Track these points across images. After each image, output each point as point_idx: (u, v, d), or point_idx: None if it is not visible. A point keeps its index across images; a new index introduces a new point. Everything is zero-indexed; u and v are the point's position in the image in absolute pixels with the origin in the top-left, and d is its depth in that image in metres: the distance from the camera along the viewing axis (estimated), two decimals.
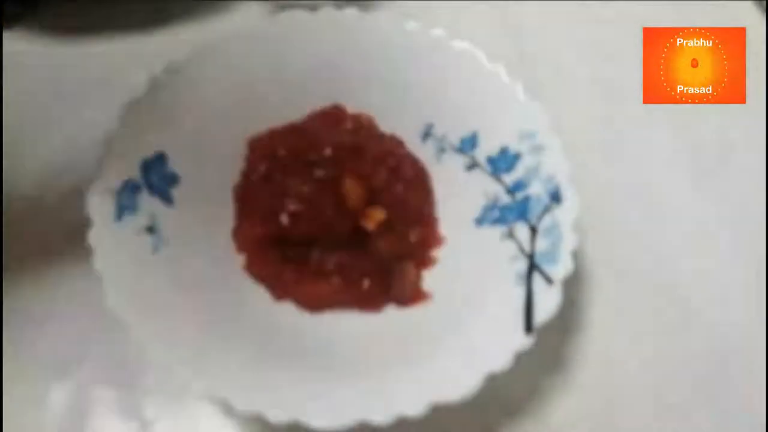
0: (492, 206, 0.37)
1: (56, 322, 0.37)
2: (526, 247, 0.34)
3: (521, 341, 0.31)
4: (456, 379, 0.30)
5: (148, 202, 0.35)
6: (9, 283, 0.37)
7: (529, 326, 0.31)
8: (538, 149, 0.36)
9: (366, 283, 0.36)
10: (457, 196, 0.39)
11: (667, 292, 0.39)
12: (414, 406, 0.29)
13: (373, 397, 0.30)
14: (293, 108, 0.40)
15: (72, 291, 0.37)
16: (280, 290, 0.36)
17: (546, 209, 0.35)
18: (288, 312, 0.36)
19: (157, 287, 0.33)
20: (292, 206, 0.37)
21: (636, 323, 0.38)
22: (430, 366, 0.31)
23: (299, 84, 0.40)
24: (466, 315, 0.33)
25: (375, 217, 0.37)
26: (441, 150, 0.40)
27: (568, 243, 0.33)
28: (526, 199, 0.36)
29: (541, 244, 0.34)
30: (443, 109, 0.40)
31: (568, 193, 0.35)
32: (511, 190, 0.37)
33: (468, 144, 0.39)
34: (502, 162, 0.37)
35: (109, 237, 0.33)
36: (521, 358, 0.31)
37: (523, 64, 0.43)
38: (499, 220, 0.37)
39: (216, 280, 0.36)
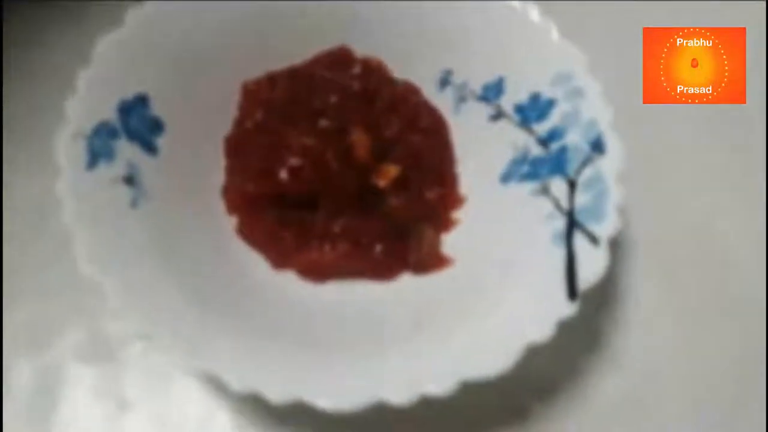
0: (521, 160, 0.33)
1: (26, 291, 0.32)
2: (564, 203, 0.30)
3: (564, 308, 0.26)
4: (488, 352, 0.26)
5: (126, 149, 0.30)
6: None
7: (573, 292, 0.27)
8: (575, 93, 0.32)
9: (378, 249, 0.32)
10: (479, 150, 0.34)
11: (714, 260, 0.35)
12: (439, 384, 0.25)
13: (390, 374, 0.26)
14: (294, 50, 0.35)
15: (43, 253, 0.32)
16: (278, 257, 0.32)
17: (586, 160, 0.30)
18: (289, 281, 0.31)
19: (137, 247, 0.28)
20: (292, 160, 0.32)
21: (681, 295, 0.34)
22: (458, 338, 0.27)
23: (301, 23, 0.35)
24: (497, 281, 0.29)
25: (387, 173, 0.33)
26: (461, 99, 0.35)
27: (614, 197, 0.29)
28: (563, 150, 0.31)
29: (582, 199, 0.30)
30: (463, 52, 0.35)
31: (612, 141, 0.30)
32: (544, 141, 0.32)
33: (492, 91, 0.34)
34: (532, 110, 0.33)
35: (80, 187, 0.28)
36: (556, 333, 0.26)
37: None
38: (530, 176, 0.32)
39: (204, 242, 0.31)
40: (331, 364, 0.26)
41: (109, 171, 0.29)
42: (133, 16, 0.32)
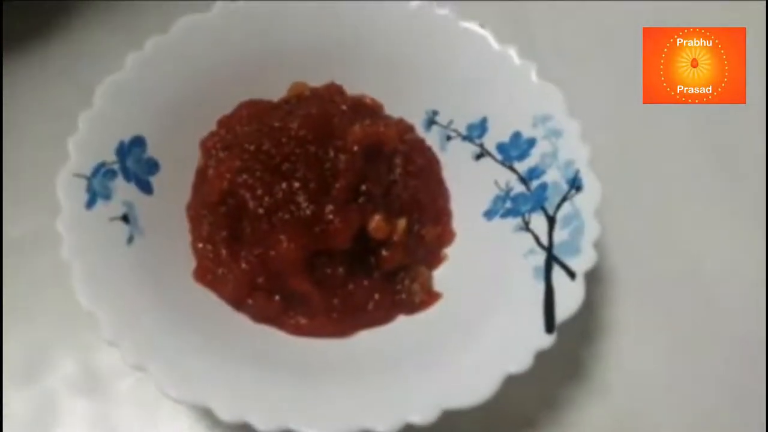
0: (504, 197, 0.34)
1: (22, 322, 0.33)
2: (544, 239, 0.31)
3: (542, 340, 0.28)
4: (470, 382, 0.27)
5: (123, 189, 0.31)
6: None
7: (550, 324, 0.28)
8: (554, 133, 0.33)
9: (371, 306, 0.32)
10: (464, 187, 0.36)
11: (692, 288, 0.36)
12: (422, 413, 0.26)
13: (376, 402, 0.26)
14: (279, 88, 0.36)
15: (40, 292, 0.33)
16: (264, 319, 0.32)
17: (565, 197, 0.32)
18: None
19: (131, 281, 0.29)
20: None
21: (659, 323, 0.35)
22: (441, 368, 0.28)
23: (290, 63, 0.37)
24: (480, 314, 0.30)
25: (396, 229, 0.32)
26: (446, 138, 0.37)
27: (591, 232, 0.30)
28: (543, 187, 0.33)
29: (560, 235, 0.31)
30: (449, 93, 0.37)
31: (589, 179, 0.31)
32: (525, 179, 0.33)
33: (476, 130, 0.36)
34: (514, 149, 0.34)
35: (79, 224, 0.29)
36: (536, 363, 0.27)
37: (533, 50, 0.39)
38: (512, 212, 0.33)
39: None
40: (318, 394, 0.27)
41: (107, 210, 0.30)
42: (132, 59, 0.33)
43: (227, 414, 0.25)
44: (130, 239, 0.31)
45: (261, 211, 0.31)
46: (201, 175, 0.34)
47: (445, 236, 0.34)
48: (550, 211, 0.32)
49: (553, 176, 0.32)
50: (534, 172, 0.33)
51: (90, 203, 0.30)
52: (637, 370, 0.33)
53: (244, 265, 0.31)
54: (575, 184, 0.32)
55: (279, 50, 0.37)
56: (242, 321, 0.31)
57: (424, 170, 0.35)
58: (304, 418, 0.26)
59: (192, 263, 0.32)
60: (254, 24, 0.36)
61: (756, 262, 0.37)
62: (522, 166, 0.34)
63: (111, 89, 0.32)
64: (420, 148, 0.36)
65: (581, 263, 0.29)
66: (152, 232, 0.31)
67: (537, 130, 0.34)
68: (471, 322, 0.30)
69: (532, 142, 0.34)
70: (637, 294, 0.35)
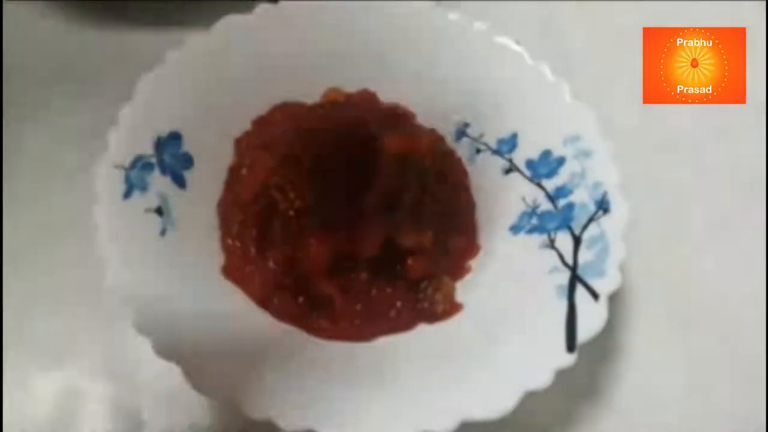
0: (530, 213, 0.34)
1: (54, 308, 0.34)
2: (568, 258, 0.32)
3: (562, 359, 0.28)
4: (490, 395, 0.27)
5: (159, 182, 0.32)
6: (8, 264, 0.34)
7: (571, 344, 0.28)
8: (584, 154, 0.34)
9: (393, 313, 0.32)
10: (492, 201, 0.36)
11: (714, 314, 0.36)
12: (440, 423, 0.26)
13: (396, 409, 0.27)
14: (317, 92, 0.37)
15: (73, 276, 0.34)
16: (286, 319, 0.32)
17: (591, 218, 0.32)
18: None
19: (163, 273, 0.30)
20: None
21: (678, 346, 0.35)
22: (461, 380, 0.28)
23: (325, 68, 0.37)
24: (502, 328, 0.30)
25: (422, 239, 0.33)
26: (476, 151, 0.37)
27: (616, 254, 0.30)
28: (570, 207, 0.33)
29: (585, 256, 0.31)
30: (481, 107, 0.37)
31: (617, 202, 0.32)
32: (553, 197, 0.34)
33: (506, 145, 0.36)
34: (543, 166, 0.35)
35: (115, 215, 0.30)
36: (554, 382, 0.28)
37: (567, 66, 0.40)
38: (538, 229, 0.34)
39: None
40: (341, 397, 0.27)
41: (143, 201, 0.31)
42: (173, 56, 0.34)
43: (254, 411, 0.26)
44: (163, 231, 0.31)
45: (291, 213, 0.32)
46: (234, 173, 0.35)
47: (471, 248, 0.35)
48: (576, 231, 0.32)
49: (581, 196, 0.33)
50: (562, 191, 0.34)
51: (127, 194, 0.31)
52: (653, 393, 0.34)
53: (271, 264, 0.32)
54: (602, 206, 0.32)
55: (316, 54, 0.37)
56: (268, 319, 0.31)
57: (454, 182, 0.36)
58: (327, 420, 0.26)
59: (221, 259, 0.33)
60: (293, 27, 0.37)
61: None
62: (550, 184, 0.34)
63: (151, 84, 0.33)
64: (450, 159, 0.36)
65: (605, 285, 0.30)
66: (184, 226, 0.32)
67: (567, 149, 0.34)
68: (492, 335, 0.30)
69: (561, 161, 0.34)
70: (659, 315, 0.36)
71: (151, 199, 0.31)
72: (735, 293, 0.37)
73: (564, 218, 0.33)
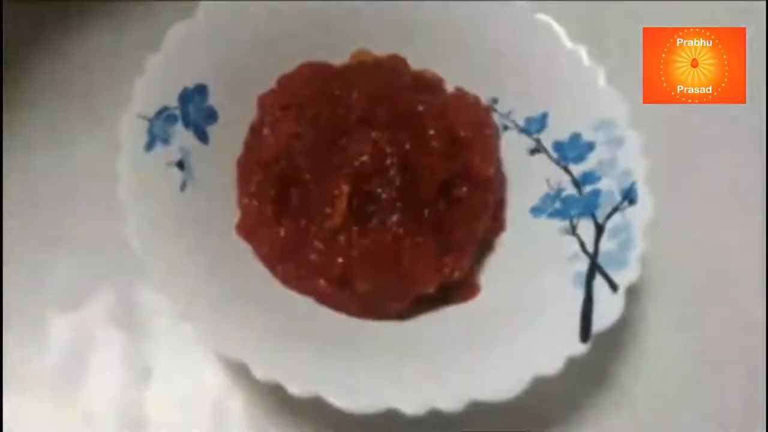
0: (554, 196, 0.34)
1: (69, 254, 0.34)
2: (589, 245, 0.31)
3: (575, 347, 0.28)
4: (500, 378, 0.27)
5: (181, 135, 0.32)
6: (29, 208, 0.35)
7: (585, 333, 0.28)
8: (615, 141, 0.33)
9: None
10: (515, 180, 0.35)
11: (732, 306, 0.36)
12: (450, 401, 0.26)
13: (406, 384, 0.27)
14: (347, 49, 0.36)
15: (91, 223, 0.34)
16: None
17: (617, 207, 0.31)
18: None
19: (181, 230, 0.30)
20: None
21: (691, 342, 0.35)
22: (474, 361, 0.28)
23: (355, 29, 0.36)
24: (517, 312, 0.30)
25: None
26: (504, 127, 0.36)
27: (639, 248, 0.30)
28: (595, 194, 0.32)
29: (607, 245, 0.31)
30: (513, 83, 0.36)
31: (644, 193, 0.31)
32: (579, 182, 0.33)
33: (535, 125, 0.36)
34: (571, 149, 0.34)
35: (137, 166, 0.30)
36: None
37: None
38: (559, 213, 0.33)
39: None
40: (351, 368, 0.27)
41: (165, 154, 0.31)
42: (204, 7, 0.33)
43: (262, 373, 0.26)
44: (183, 186, 0.31)
45: (311, 182, 0.31)
46: (255, 131, 0.34)
47: (497, 225, 0.34)
48: (600, 220, 0.32)
49: (608, 184, 0.32)
50: (589, 177, 0.33)
51: (150, 146, 0.30)
52: (663, 388, 0.33)
53: (282, 233, 0.32)
54: (629, 196, 0.31)
55: (346, 13, 0.36)
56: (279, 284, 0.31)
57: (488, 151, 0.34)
58: (334, 387, 0.26)
59: (236, 216, 0.33)
60: None
61: None
62: (577, 169, 0.34)
63: (179, 35, 0.32)
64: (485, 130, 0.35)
65: (625, 276, 0.29)
66: (204, 181, 0.32)
67: (598, 134, 0.33)
68: (507, 320, 0.30)
69: (591, 146, 0.33)
70: (676, 307, 0.35)
71: (173, 153, 0.31)
72: (755, 289, 0.37)
73: (588, 205, 0.32)
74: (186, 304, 0.27)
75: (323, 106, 0.33)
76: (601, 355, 0.32)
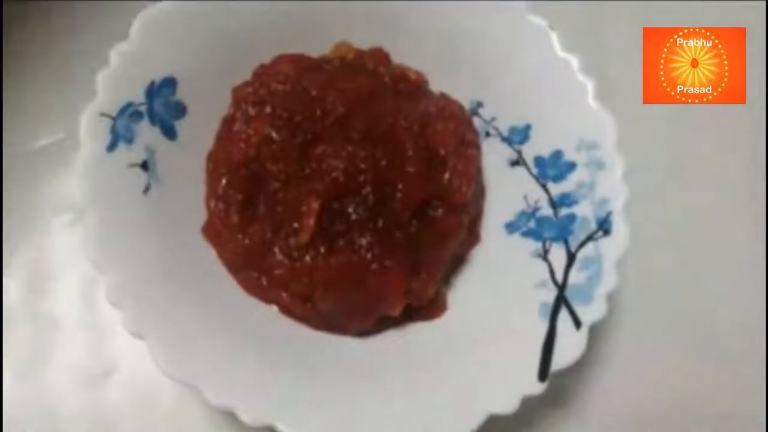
0: (529, 215, 0.33)
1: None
2: (559, 274, 0.31)
3: (533, 387, 0.28)
4: (455, 415, 0.27)
5: (146, 133, 0.30)
6: None
7: (544, 372, 0.28)
8: (597, 164, 0.32)
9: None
10: (492, 192, 0.35)
11: (702, 332, 0.36)
12: None
13: (364, 414, 0.27)
14: (322, 45, 0.35)
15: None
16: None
17: (591, 236, 0.31)
18: None
19: (141, 239, 0.29)
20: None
21: (662, 366, 0.35)
22: (428, 394, 0.28)
23: (338, 20, 0.35)
24: (481, 339, 0.30)
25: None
26: (486, 133, 0.35)
27: (608, 283, 0.29)
28: (570, 219, 0.32)
29: (576, 277, 0.30)
30: (499, 89, 0.35)
31: (620, 225, 0.30)
32: (556, 203, 0.32)
33: (518, 136, 0.34)
34: (551, 167, 0.33)
35: (97, 168, 0.29)
36: None
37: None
38: (533, 233, 0.33)
39: None
40: (306, 394, 0.27)
41: (128, 156, 0.30)
42: None
43: (215, 399, 0.26)
44: (147, 188, 0.30)
45: (280, 190, 0.30)
46: (227, 124, 0.33)
47: (471, 239, 0.33)
48: (572, 247, 0.31)
49: (584, 210, 0.31)
50: (566, 200, 0.32)
51: (112, 146, 0.29)
52: (620, 407, 0.34)
53: (247, 241, 0.31)
54: (604, 226, 0.31)
55: (331, 4, 0.34)
56: (250, 307, 0.31)
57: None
58: (287, 416, 0.26)
59: (203, 217, 0.32)
60: None
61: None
62: (556, 189, 0.33)
63: (147, 23, 0.31)
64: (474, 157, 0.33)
65: (590, 314, 0.29)
66: (169, 181, 0.31)
67: (580, 155, 0.32)
68: (469, 346, 0.30)
69: (572, 166, 0.33)
70: (643, 330, 0.35)
71: (137, 153, 0.30)
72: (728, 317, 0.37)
73: (562, 229, 0.32)
74: (137, 322, 0.26)
75: (298, 106, 0.32)
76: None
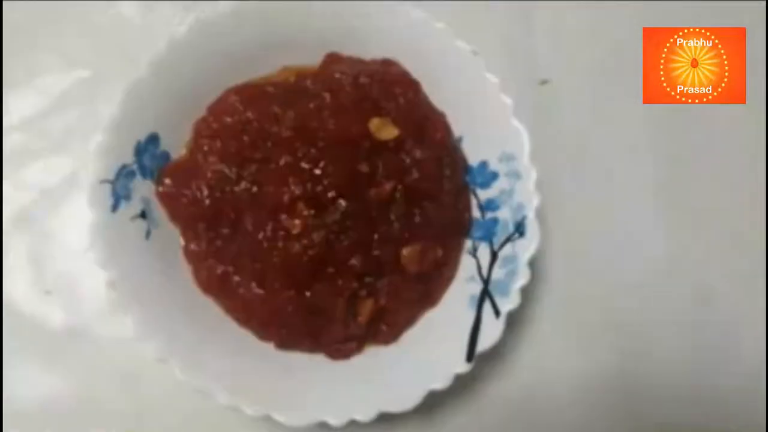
0: None
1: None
2: (485, 270, 0.38)
3: (462, 366, 0.36)
4: (402, 393, 0.36)
5: (141, 187, 0.37)
6: None
7: (471, 354, 0.36)
8: (515, 174, 0.38)
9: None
10: None
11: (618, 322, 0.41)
12: (364, 413, 0.35)
13: (333, 401, 0.36)
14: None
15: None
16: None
17: (509, 238, 0.38)
18: None
19: (151, 279, 0.36)
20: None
21: (576, 348, 0.41)
22: (379, 378, 0.36)
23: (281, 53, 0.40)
24: (422, 327, 0.38)
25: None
26: None
27: (521, 278, 0.37)
28: (494, 221, 0.39)
29: (497, 273, 0.38)
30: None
31: (532, 228, 0.37)
32: (483, 207, 0.39)
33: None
34: (479, 175, 0.39)
35: (105, 230, 0.35)
36: None
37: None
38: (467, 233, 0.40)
39: None
40: (290, 386, 0.36)
41: (128, 210, 0.36)
42: (149, 59, 0.36)
43: (224, 399, 0.35)
44: (148, 234, 0.37)
45: (237, 227, 0.37)
46: (192, 156, 0.38)
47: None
48: (495, 247, 0.38)
49: (505, 214, 0.38)
50: (491, 204, 0.39)
51: (114, 206, 0.36)
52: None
53: (216, 269, 0.37)
54: (519, 229, 0.38)
55: (273, 43, 0.39)
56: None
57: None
58: (282, 407, 0.35)
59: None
60: (248, 24, 0.38)
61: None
62: (483, 194, 0.39)
63: (130, 95, 0.36)
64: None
65: (507, 305, 0.37)
66: (165, 222, 0.38)
67: (502, 165, 0.39)
68: (410, 336, 0.38)
69: (495, 175, 0.39)
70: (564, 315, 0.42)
71: (135, 206, 0.36)
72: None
73: (488, 230, 0.39)
74: (165, 351, 0.35)
75: (246, 135, 0.37)
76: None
